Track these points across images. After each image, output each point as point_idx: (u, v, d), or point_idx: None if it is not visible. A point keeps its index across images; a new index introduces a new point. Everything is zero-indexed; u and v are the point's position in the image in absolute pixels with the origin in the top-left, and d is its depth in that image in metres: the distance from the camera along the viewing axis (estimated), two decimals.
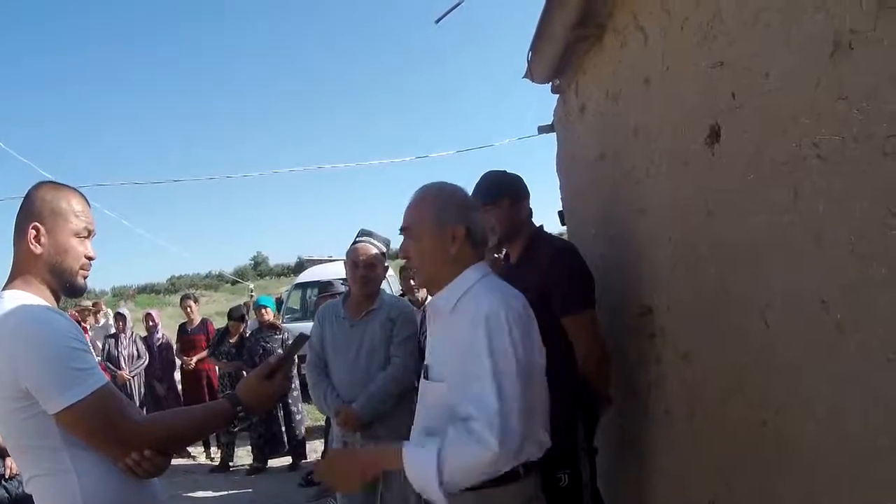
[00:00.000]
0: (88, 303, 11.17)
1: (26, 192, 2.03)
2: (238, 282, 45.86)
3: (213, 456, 8.68)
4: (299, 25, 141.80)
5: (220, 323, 9.51)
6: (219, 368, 8.48)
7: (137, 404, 7.87)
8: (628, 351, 3.24)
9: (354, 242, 3.96)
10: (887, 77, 1.29)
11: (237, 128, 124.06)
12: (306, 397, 6.22)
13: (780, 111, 1.68)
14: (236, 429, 7.83)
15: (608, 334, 3.22)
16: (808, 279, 1.62)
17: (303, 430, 7.91)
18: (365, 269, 3.85)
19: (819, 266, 1.57)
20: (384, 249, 3.96)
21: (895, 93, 1.27)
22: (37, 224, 1.96)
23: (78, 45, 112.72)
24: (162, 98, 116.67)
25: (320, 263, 17.93)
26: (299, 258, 45.51)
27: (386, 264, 4.01)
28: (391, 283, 10.78)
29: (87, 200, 2.11)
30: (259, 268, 62.79)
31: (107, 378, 1.90)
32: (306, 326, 5.88)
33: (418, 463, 1.95)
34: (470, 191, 2.46)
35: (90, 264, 2.08)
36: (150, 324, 9.07)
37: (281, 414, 7.65)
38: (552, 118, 5.20)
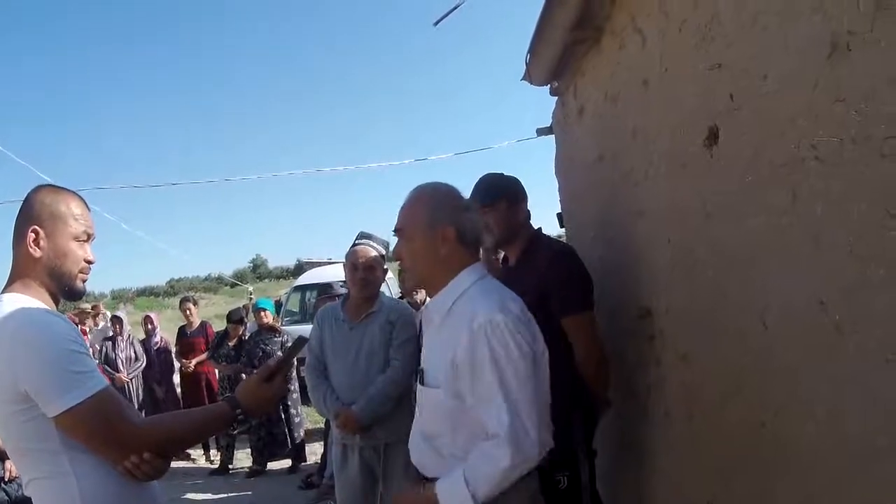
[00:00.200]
0: (87, 306, 11.16)
1: (25, 195, 2.03)
2: (237, 284, 45.83)
3: (212, 458, 8.68)
4: (298, 27, 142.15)
5: (219, 326, 9.50)
6: (218, 371, 8.47)
7: (136, 407, 7.86)
8: (627, 353, 3.24)
9: (354, 245, 3.95)
10: (885, 78, 1.29)
11: (236, 130, 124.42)
12: (306, 400, 6.22)
13: (779, 113, 1.68)
14: (236, 431, 7.80)
15: (607, 336, 3.22)
16: (807, 281, 1.62)
17: (302, 433, 7.89)
18: (364, 271, 3.84)
19: (817, 267, 1.57)
20: (383, 252, 3.96)
21: (893, 94, 1.27)
22: (36, 227, 1.96)
23: (77, 46, 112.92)
24: (161, 100, 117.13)
25: (319, 266, 17.93)
26: (298, 261, 45.51)
27: (385, 267, 4.01)
28: (390, 286, 10.78)
29: (86, 204, 2.11)
30: (258, 270, 62.78)
31: (106, 381, 1.90)
32: (305, 329, 5.88)
33: (450, 492, 1.98)
34: (468, 193, 2.46)
35: (89, 268, 2.08)
36: (149, 326, 9.05)
37: (281, 417, 7.64)
38: (551, 120, 5.20)
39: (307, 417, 8.48)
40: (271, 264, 64.63)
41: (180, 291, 47.61)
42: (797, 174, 1.62)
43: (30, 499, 1.90)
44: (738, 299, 2.01)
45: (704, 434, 2.38)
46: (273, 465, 7.95)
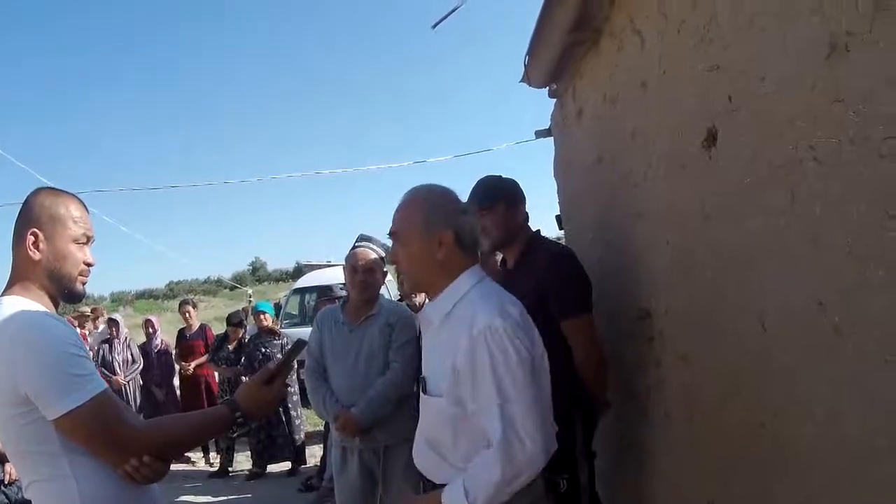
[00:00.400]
0: (87, 309, 11.16)
1: (25, 197, 2.03)
2: (236, 287, 45.81)
3: (212, 461, 8.67)
4: (298, 28, 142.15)
5: (218, 328, 9.50)
6: (218, 374, 8.47)
7: (134, 409, 7.86)
8: (627, 354, 3.24)
9: (354, 247, 3.96)
10: (884, 79, 1.29)
11: (235, 132, 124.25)
12: (306, 402, 6.22)
13: (777, 114, 1.68)
14: (235, 434, 7.79)
15: (607, 338, 3.22)
16: (806, 282, 1.62)
17: (302, 436, 7.89)
18: (364, 274, 3.84)
19: (816, 268, 1.58)
20: (383, 254, 3.96)
21: (892, 95, 1.27)
22: (35, 230, 1.96)
23: (76, 47, 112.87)
24: (160, 102, 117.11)
25: (319, 268, 17.91)
26: (297, 263, 45.47)
27: (385, 269, 4.01)
28: (389, 288, 10.78)
29: (85, 206, 2.11)
30: (257, 273, 62.75)
31: (105, 384, 1.90)
32: (305, 332, 5.88)
33: (452, 501, 1.97)
34: (467, 196, 2.45)
35: (89, 270, 2.08)
36: (150, 329, 9.05)
37: (281, 419, 7.63)
38: (549, 122, 5.21)
39: (307, 420, 8.48)
40: (270, 267, 64.64)
41: (179, 294, 47.58)
42: (796, 175, 1.62)
43: (30, 501, 1.90)
44: (737, 300, 2.01)
45: (704, 435, 2.38)
46: (273, 468, 7.94)
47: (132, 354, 8.70)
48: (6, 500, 4.56)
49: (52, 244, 1.98)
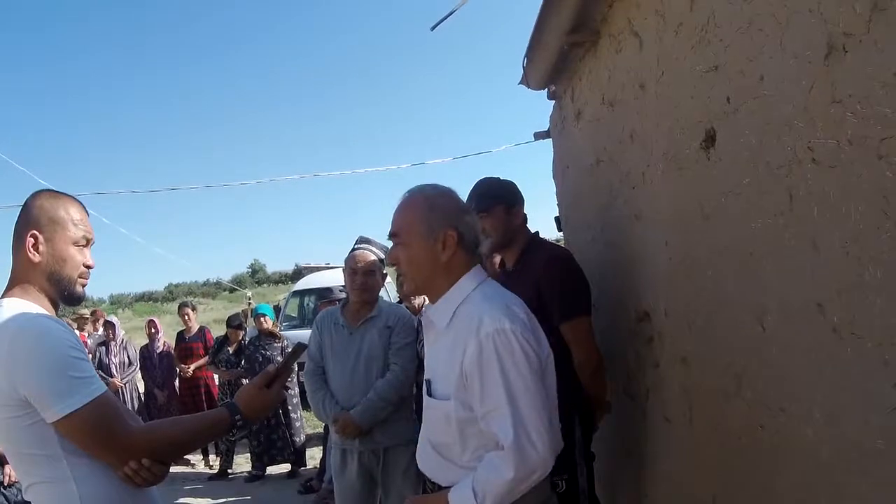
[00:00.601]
0: (86, 311, 11.15)
1: (24, 200, 2.03)
2: (236, 289, 45.78)
3: (211, 464, 8.66)
4: (297, 30, 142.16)
5: (217, 331, 9.50)
6: (218, 377, 8.47)
7: (133, 411, 7.86)
8: (627, 355, 3.24)
9: (353, 249, 3.96)
10: (881, 80, 1.29)
11: (234, 134, 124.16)
12: (306, 405, 6.22)
13: (775, 115, 1.69)
14: (234, 437, 7.82)
15: (606, 339, 3.23)
16: (804, 283, 1.63)
17: (302, 438, 7.89)
18: (363, 276, 3.85)
19: (815, 269, 1.58)
20: (382, 256, 3.96)
21: (889, 95, 1.28)
22: (35, 232, 1.96)
23: (75, 50, 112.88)
24: (159, 105, 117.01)
25: (318, 271, 17.91)
26: (296, 265, 45.45)
27: (384, 272, 4.01)
28: (388, 291, 10.78)
29: (85, 209, 2.11)
30: (256, 275, 62.67)
31: (105, 386, 1.90)
32: (304, 334, 5.87)
33: (460, 501, 1.95)
34: (465, 198, 2.44)
35: (89, 272, 2.07)
36: (153, 331, 9.06)
37: (281, 422, 7.63)
38: (548, 124, 5.21)
39: (307, 422, 8.48)
40: (269, 269, 64.55)
41: (179, 296, 47.59)
42: (794, 176, 1.63)
43: (29, 503, 1.90)
44: (736, 301, 2.01)
45: (703, 436, 2.38)
46: (272, 470, 7.93)
47: (129, 357, 8.71)
48: (6, 502, 4.56)
49: (52, 246, 1.98)
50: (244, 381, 7.61)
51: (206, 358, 8.48)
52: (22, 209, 2.02)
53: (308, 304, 14.26)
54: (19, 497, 4.25)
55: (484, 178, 3.27)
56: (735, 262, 2.00)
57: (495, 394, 1.92)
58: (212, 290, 55.19)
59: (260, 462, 7.79)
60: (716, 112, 2.04)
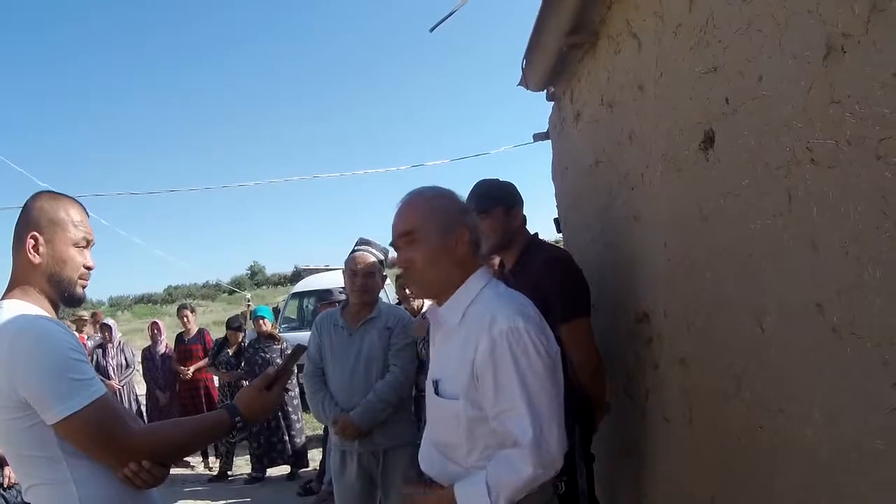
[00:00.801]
0: (85, 313, 11.15)
1: (24, 201, 2.04)
2: (235, 291, 45.68)
3: (211, 466, 8.66)
4: (296, 31, 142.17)
5: (217, 333, 9.50)
6: (218, 379, 8.47)
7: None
8: (626, 356, 3.24)
9: (353, 251, 3.96)
10: (880, 80, 1.30)
11: (233, 136, 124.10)
12: (306, 407, 6.22)
13: (774, 116, 1.69)
14: (234, 439, 7.83)
15: (606, 340, 3.23)
16: (804, 283, 1.63)
17: (303, 439, 7.89)
18: (363, 277, 3.85)
19: (814, 270, 1.58)
20: (382, 258, 3.97)
21: (888, 96, 1.28)
22: (35, 234, 1.96)
23: (74, 51, 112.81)
24: (158, 106, 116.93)
25: (317, 273, 17.90)
26: (296, 267, 45.38)
27: (384, 273, 4.01)
28: (388, 292, 10.77)
29: (85, 210, 2.11)
30: (256, 277, 62.60)
31: (105, 388, 1.90)
32: (303, 336, 5.86)
33: (470, 496, 1.94)
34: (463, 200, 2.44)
35: (89, 274, 2.08)
36: (155, 332, 9.06)
37: (281, 424, 7.63)
38: (547, 125, 5.22)
39: (306, 424, 8.48)
40: (269, 271, 64.46)
41: (178, 298, 47.46)
42: (793, 176, 1.63)
43: None
44: (736, 302, 2.01)
45: (703, 437, 2.38)
46: (272, 472, 7.94)
47: (126, 359, 8.71)
48: None
49: (52, 248, 1.98)
50: (244, 383, 7.61)
51: (206, 360, 8.49)
52: (22, 211, 2.02)
53: (307, 306, 14.25)
54: (19, 499, 4.24)
55: (483, 180, 3.27)
56: (734, 263, 2.00)
57: (510, 391, 1.92)
58: (211, 291, 55.12)
59: (260, 464, 7.80)
60: (715, 113, 2.04)
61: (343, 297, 5.26)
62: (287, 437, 7.67)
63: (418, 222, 2.09)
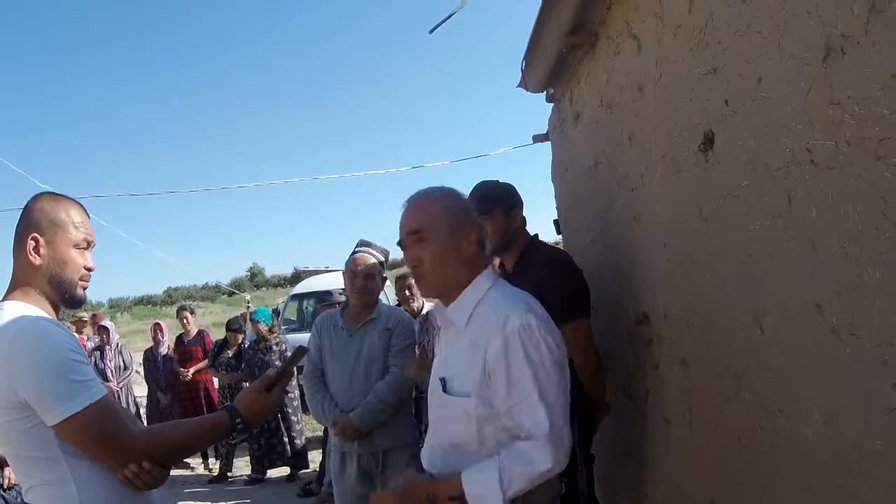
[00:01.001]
0: (85, 314, 11.15)
1: (25, 203, 2.04)
2: (235, 293, 45.72)
3: (211, 467, 8.65)
4: (295, 32, 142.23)
5: (217, 334, 9.50)
6: (218, 380, 8.47)
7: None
8: (626, 357, 3.24)
9: (353, 252, 3.96)
10: (879, 81, 1.30)
11: (233, 137, 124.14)
12: (306, 408, 6.22)
13: (773, 117, 1.69)
14: (235, 440, 7.83)
15: (606, 341, 3.23)
16: (803, 284, 1.63)
17: (303, 441, 7.89)
18: (364, 279, 3.85)
19: (814, 271, 1.58)
20: (382, 260, 3.97)
21: (887, 97, 1.28)
22: (36, 235, 1.96)
23: (73, 52, 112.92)
24: (158, 107, 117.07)
25: (317, 274, 17.91)
26: (295, 269, 45.40)
27: (384, 275, 4.01)
28: (388, 294, 10.77)
29: (86, 211, 2.11)
30: (255, 279, 62.63)
31: (105, 390, 1.91)
32: (303, 338, 5.86)
33: (479, 484, 1.93)
34: None
35: (90, 275, 2.08)
36: (158, 333, 9.07)
37: (281, 425, 7.63)
38: (547, 127, 5.22)
39: (306, 425, 8.48)
40: (268, 272, 64.50)
41: (178, 300, 47.52)
42: (793, 177, 1.63)
43: None
44: (735, 303, 2.02)
45: (703, 438, 2.38)
46: (272, 473, 7.94)
47: (124, 361, 8.71)
48: None
49: (53, 249, 1.98)
50: (244, 385, 7.60)
51: (206, 361, 8.49)
52: (23, 212, 2.03)
53: (307, 308, 14.25)
54: (19, 500, 4.24)
55: (483, 181, 3.27)
56: (734, 264, 2.01)
57: (523, 385, 1.93)
58: (211, 293, 55.16)
59: (260, 465, 7.79)
60: (714, 114, 2.04)
61: (343, 298, 5.26)
62: (287, 439, 7.66)
63: (427, 221, 2.09)
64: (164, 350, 8.95)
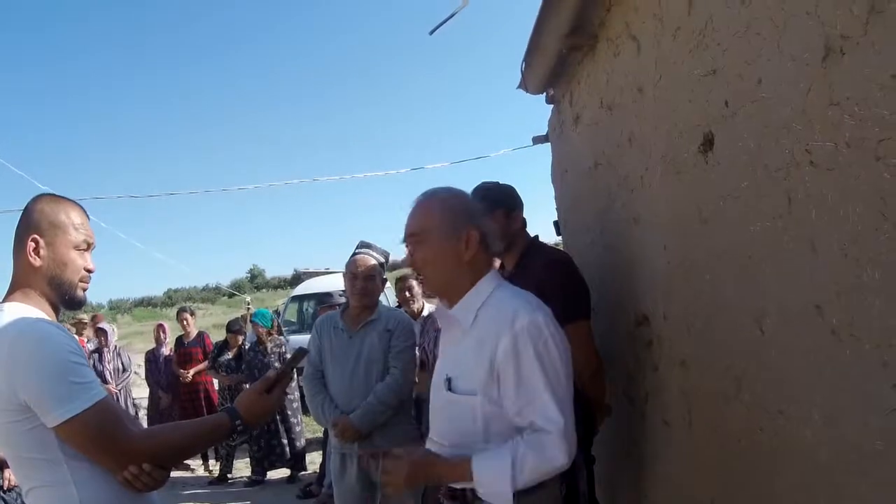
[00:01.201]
0: (85, 316, 11.15)
1: (25, 204, 2.04)
2: (235, 294, 45.71)
3: (211, 469, 8.66)
4: (295, 33, 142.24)
5: (217, 336, 9.50)
6: (218, 382, 8.47)
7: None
8: (626, 359, 3.24)
9: (354, 254, 3.96)
10: (879, 82, 1.30)
11: (233, 138, 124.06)
12: (306, 409, 6.22)
13: (773, 118, 1.69)
14: (235, 442, 7.83)
15: (606, 342, 3.23)
16: (803, 285, 1.63)
17: (303, 442, 7.89)
18: (364, 280, 3.85)
19: (813, 272, 1.58)
20: (383, 261, 3.97)
21: (887, 97, 1.28)
22: (36, 236, 1.96)
23: (73, 53, 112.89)
24: (158, 108, 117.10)
25: (317, 276, 17.91)
26: (295, 271, 45.43)
27: (384, 276, 4.01)
28: (388, 295, 10.77)
29: (86, 213, 2.11)
30: (255, 280, 62.59)
31: (105, 392, 1.90)
32: (303, 339, 5.86)
33: (490, 470, 1.94)
34: None
35: (90, 277, 2.08)
36: (161, 334, 9.07)
37: (280, 427, 7.63)
38: (547, 128, 5.22)
39: (306, 427, 8.48)
40: (269, 274, 64.44)
41: (178, 302, 47.46)
42: (792, 179, 1.63)
43: None
44: (735, 304, 2.02)
45: (703, 439, 2.38)
46: (272, 475, 7.93)
47: (122, 363, 8.70)
48: None
49: (53, 251, 1.98)
50: (244, 387, 7.60)
51: (206, 363, 8.49)
52: (23, 213, 2.03)
53: (307, 309, 14.25)
54: (19, 501, 4.24)
55: (483, 183, 3.27)
56: (734, 266, 2.01)
57: (534, 382, 1.95)
58: (211, 295, 55.10)
59: (260, 467, 7.79)
60: (714, 115, 2.05)
61: (343, 300, 5.26)
62: (287, 440, 7.67)
63: (425, 223, 2.12)
64: (165, 351, 8.96)
